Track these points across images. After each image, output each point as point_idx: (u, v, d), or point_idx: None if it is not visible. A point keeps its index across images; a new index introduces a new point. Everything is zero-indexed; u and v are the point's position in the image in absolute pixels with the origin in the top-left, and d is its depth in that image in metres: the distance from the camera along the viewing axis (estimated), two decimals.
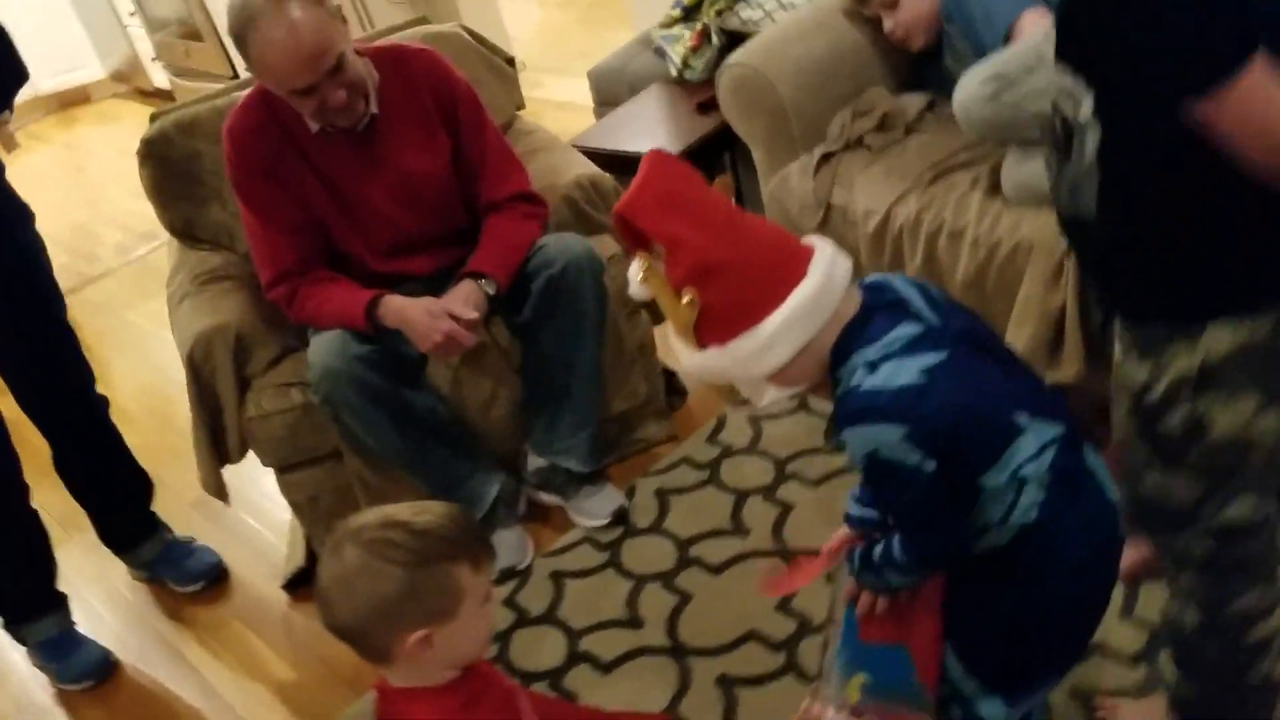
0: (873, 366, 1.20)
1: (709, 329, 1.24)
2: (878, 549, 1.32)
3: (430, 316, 2.05)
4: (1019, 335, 2.06)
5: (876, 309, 1.24)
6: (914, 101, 2.55)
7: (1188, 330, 1.19)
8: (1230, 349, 1.17)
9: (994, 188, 2.17)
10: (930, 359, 1.18)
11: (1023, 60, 1.99)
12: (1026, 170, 2.08)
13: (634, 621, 2.08)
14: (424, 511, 1.27)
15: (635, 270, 1.24)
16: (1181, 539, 1.34)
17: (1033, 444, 1.20)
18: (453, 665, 1.29)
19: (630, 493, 2.40)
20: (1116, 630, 1.77)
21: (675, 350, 1.30)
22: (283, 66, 1.93)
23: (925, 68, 2.53)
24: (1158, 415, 1.24)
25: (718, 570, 2.14)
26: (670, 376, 2.65)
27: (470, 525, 1.31)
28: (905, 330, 1.21)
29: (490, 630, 1.33)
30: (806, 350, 1.23)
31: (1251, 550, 1.32)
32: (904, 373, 1.18)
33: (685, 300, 1.21)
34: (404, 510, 1.27)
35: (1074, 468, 1.23)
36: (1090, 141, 1.16)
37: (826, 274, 1.21)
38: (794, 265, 1.22)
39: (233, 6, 1.93)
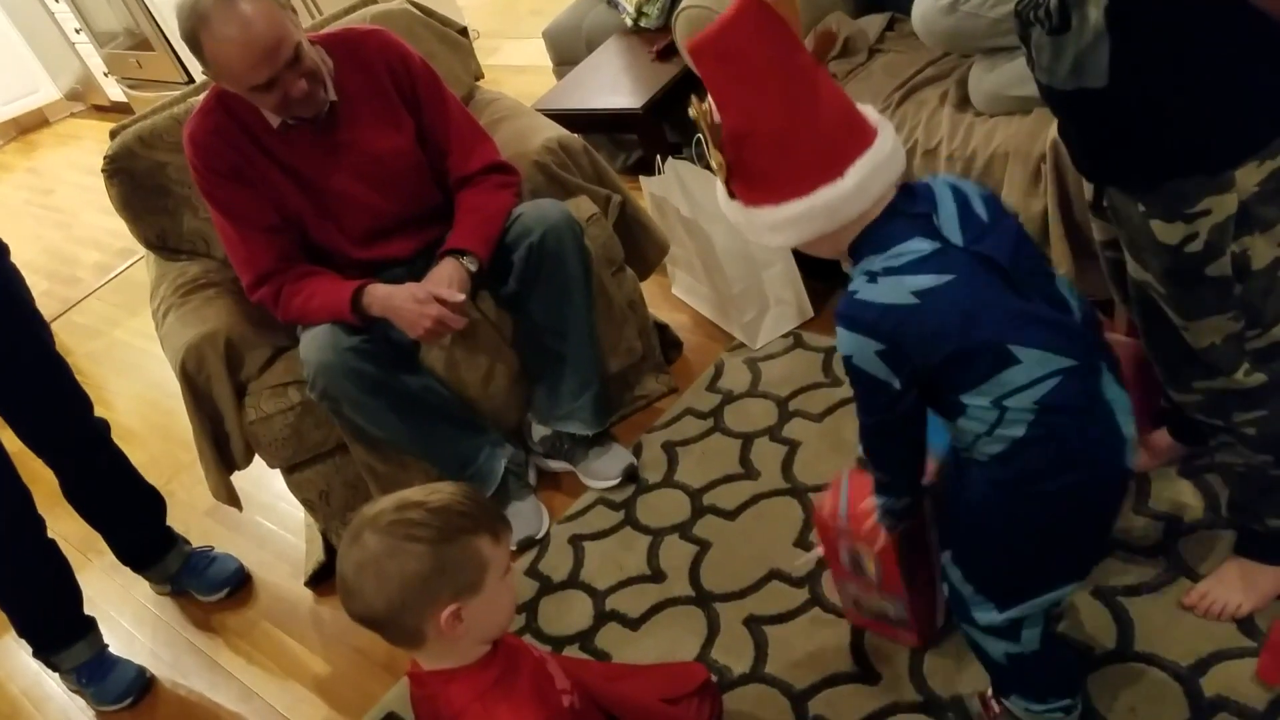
0: (873, 276, 1.21)
1: (739, 184, 1.26)
2: None
3: (417, 303, 2.04)
4: None
5: (898, 216, 1.23)
6: (874, 22, 2.53)
7: (1217, 179, 1.22)
8: (1259, 183, 1.22)
9: (963, 100, 2.16)
10: (928, 281, 1.19)
11: None
12: (994, 79, 2.07)
13: (656, 575, 2.10)
14: (436, 491, 1.28)
15: (693, 107, 1.25)
16: (1232, 379, 1.38)
17: (1024, 376, 1.19)
18: (483, 639, 1.30)
19: (638, 450, 2.40)
20: (1133, 524, 1.79)
21: (718, 195, 1.32)
22: (240, 63, 1.90)
23: None
24: (1205, 262, 1.28)
25: (733, 515, 2.16)
26: (663, 330, 2.65)
27: (484, 500, 1.32)
28: (916, 245, 1.21)
29: (514, 601, 1.35)
30: (823, 239, 1.25)
31: None
32: (897, 291, 1.19)
33: (715, 162, 1.24)
34: (416, 492, 1.28)
35: (1080, 399, 1.23)
36: (1094, 8, 1.17)
37: (861, 184, 1.20)
38: (834, 161, 1.20)
39: (181, 10, 1.90)
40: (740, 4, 1.18)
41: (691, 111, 1.25)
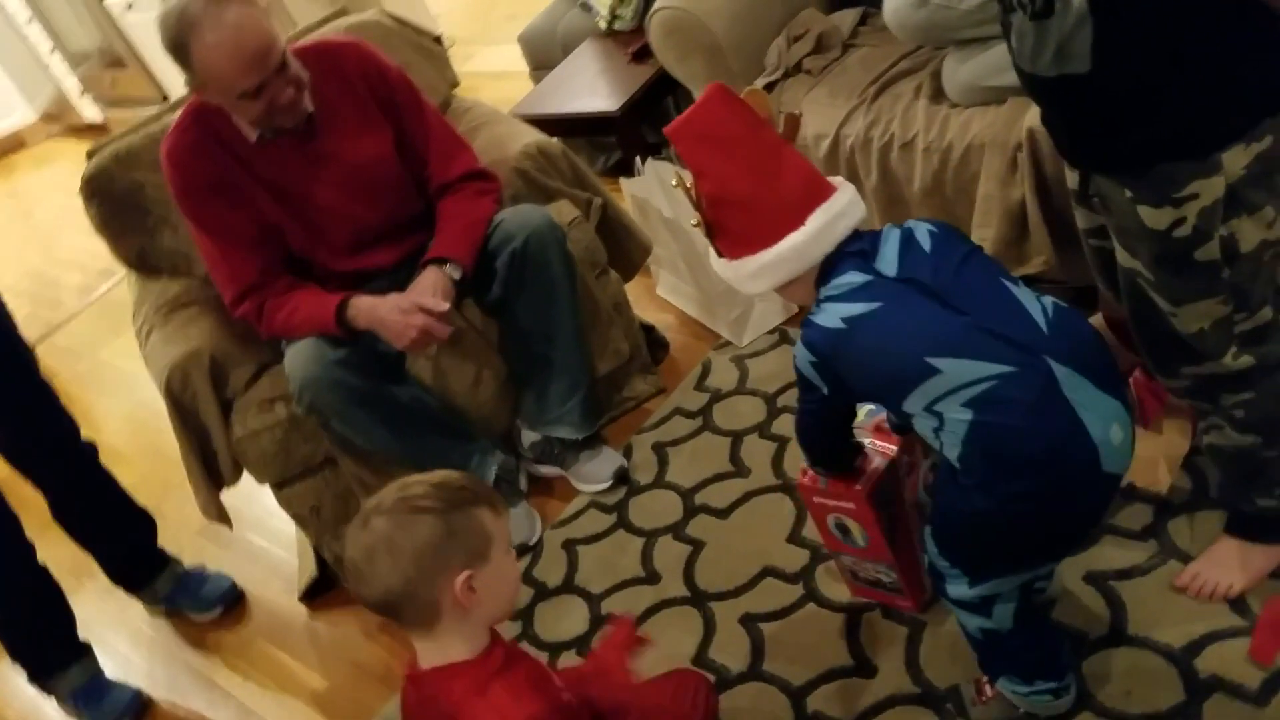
0: (819, 304, 1.41)
1: (722, 243, 1.49)
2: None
3: (402, 314, 2.04)
4: (984, 235, 2.07)
5: (842, 255, 1.42)
6: (846, 17, 2.54)
7: (1204, 163, 1.23)
8: (1246, 166, 1.24)
9: (938, 92, 2.17)
10: (858, 309, 1.36)
11: None
12: (967, 70, 2.07)
13: (651, 577, 2.10)
14: (433, 473, 1.32)
15: (674, 178, 1.51)
16: (1220, 363, 1.40)
17: (947, 383, 1.29)
18: (494, 615, 1.32)
19: (628, 452, 2.40)
20: (1122, 508, 1.80)
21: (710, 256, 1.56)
22: (231, 69, 1.89)
23: None
24: (1193, 246, 1.29)
25: (725, 514, 2.16)
26: (649, 330, 2.65)
27: (479, 479, 1.40)
28: (850, 278, 1.39)
29: (519, 578, 1.40)
30: (796, 283, 1.45)
31: (1279, 345, 1.40)
32: (831, 317, 1.38)
33: (693, 223, 1.50)
34: (414, 477, 1.31)
35: (1020, 403, 1.26)
36: None
37: (821, 229, 1.41)
38: (798, 214, 1.41)
39: (166, 20, 1.89)
40: (709, 93, 1.43)
41: (673, 182, 1.50)
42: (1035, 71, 1.29)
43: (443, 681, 1.29)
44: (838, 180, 1.47)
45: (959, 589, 1.44)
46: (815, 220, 1.40)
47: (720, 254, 1.51)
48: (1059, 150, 1.45)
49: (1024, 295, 1.36)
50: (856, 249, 1.42)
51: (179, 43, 1.89)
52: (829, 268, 1.42)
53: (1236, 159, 1.23)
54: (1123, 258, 1.39)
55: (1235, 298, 1.35)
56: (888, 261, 1.39)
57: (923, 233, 1.41)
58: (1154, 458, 1.84)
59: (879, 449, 1.68)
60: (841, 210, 1.42)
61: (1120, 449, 1.30)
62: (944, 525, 1.43)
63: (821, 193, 1.43)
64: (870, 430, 1.70)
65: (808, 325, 1.42)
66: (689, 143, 1.45)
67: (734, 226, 1.46)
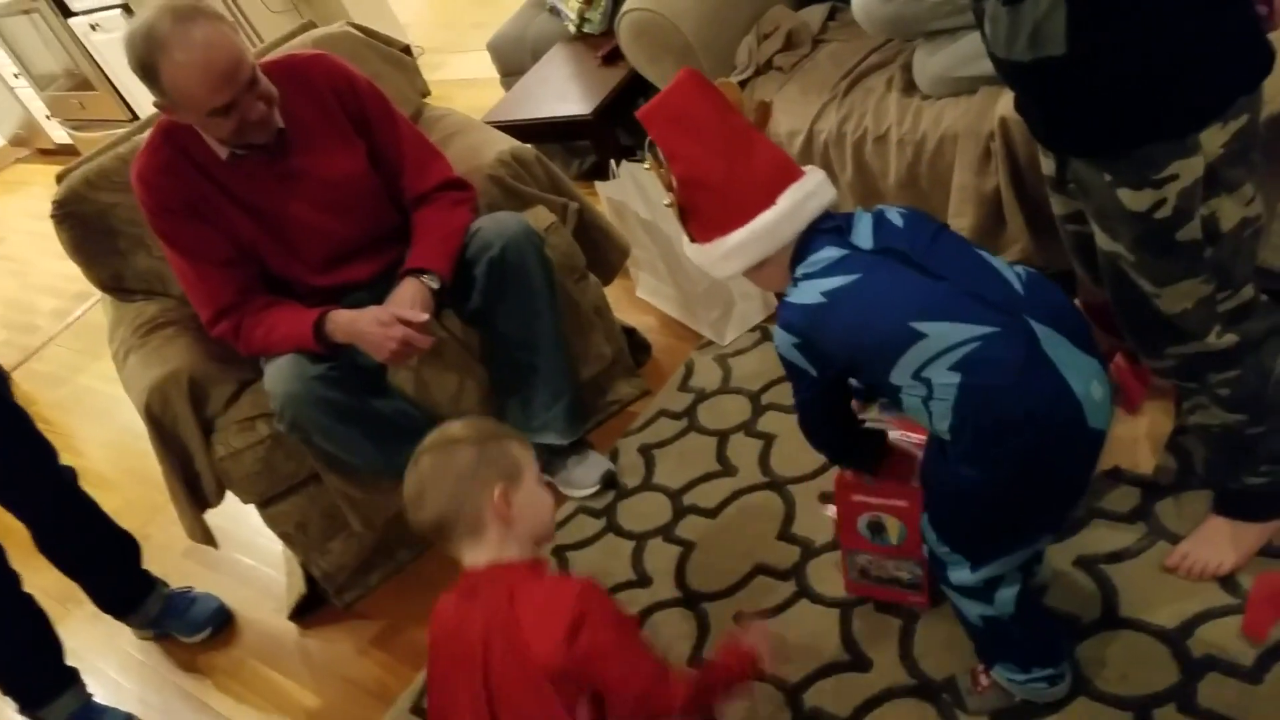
0: (796, 282, 1.42)
1: (695, 227, 1.50)
2: None
3: (381, 326, 2.02)
4: (960, 224, 2.07)
5: (815, 232, 1.44)
6: (815, 13, 2.54)
7: (1182, 143, 1.23)
8: (1224, 145, 1.24)
9: (909, 85, 2.18)
10: (836, 282, 1.37)
11: None
12: (937, 61, 2.08)
13: (642, 580, 2.09)
14: (467, 417, 1.56)
15: (647, 162, 1.51)
16: (1205, 342, 1.41)
17: (933, 347, 1.29)
18: (532, 534, 1.47)
19: (614, 455, 2.40)
20: (1109, 491, 1.81)
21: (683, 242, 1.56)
22: (202, 86, 1.87)
23: None
24: (1175, 227, 1.30)
25: (714, 513, 2.16)
26: (631, 333, 2.65)
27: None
28: (827, 253, 1.40)
29: (553, 510, 1.55)
30: (769, 262, 1.46)
31: (1260, 322, 1.42)
32: (810, 293, 1.38)
33: (666, 202, 1.50)
34: (455, 421, 1.54)
35: (1005, 362, 1.26)
36: None
37: (792, 208, 1.42)
38: (769, 193, 1.43)
39: (133, 40, 1.87)
40: (680, 77, 1.46)
41: (646, 165, 1.51)
42: (1010, 57, 1.29)
43: (499, 571, 1.42)
44: (808, 167, 1.49)
45: (961, 574, 1.44)
46: (786, 199, 1.42)
47: (693, 239, 1.52)
48: (1035, 136, 1.45)
49: (998, 262, 1.37)
50: (830, 226, 1.43)
51: (147, 62, 1.87)
52: (803, 247, 1.43)
53: (1214, 138, 1.24)
54: (1103, 241, 1.40)
55: (1218, 276, 1.36)
56: (863, 237, 1.40)
57: (894, 214, 1.43)
58: (1139, 439, 1.85)
59: (913, 442, 1.66)
60: (812, 190, 1.44)
61: (1101, 405, 1.30)
62: (939, 508, 1.43)
63: (792, 174, 1.45)
64: (895, 423, 1.69)
65: (785, 306, 1.42)
66: (661, 125, 1.47)
67: (706, 207, 1.47)
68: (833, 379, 1.46)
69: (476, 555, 1.44)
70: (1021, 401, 1.26)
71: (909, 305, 1.31)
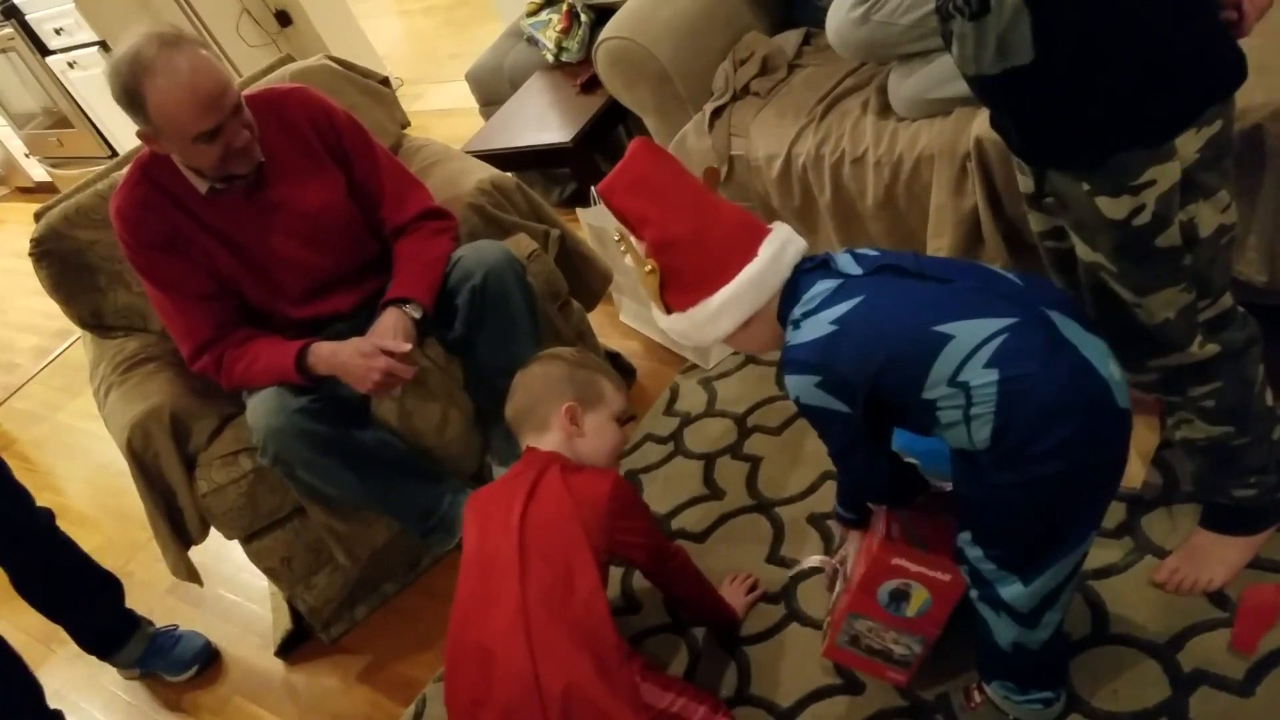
0: (796, 324, 1.37)
1: (673, 296, 1.46)
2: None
3: (363, 357, 2.02)
4: (939, 245, 2.08)
5: (800, 273, 1.42)
6: (790, 38, 2.56)
7: (1158, 150, 1.24)
8: (1198, 150, 1.25)
9: (885, 107, 2.19)
10: (843, 309, 1.33)
11: None
12: (911, 84, 2.09)
13: (632, 605, 2.08)
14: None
15: (619, 241, 1.50)
16: (1188, 352, 1.41)
17: (964, 347, 1.25)
18: (594, 459, 1.74)
19: None
20: None
21: (655, 316, 1.51)
22: (188, 111, 1.87)
23: (795, 2, 2.54)
24: (1154, 234, 1.30)
25: (702, 537, 2.15)
26: (615, 358, 2.65)
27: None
28: (821, 286, 1.37)
29: (620, 448, 1.81)
30: (756, 318, 1.43)
31: (1240, 331, 1.43)
32: (817, 327, 1.34)
33: (647, 269, 1.45)
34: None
35: (1035, 349, 1.25)
36: None
37: (774, 256, 1.41)
38: (747, 246, 1.42)
39: (118, 68, 1.86)
40: (633, 147, 1.45)
41: (621, 247, 1.49)
42: (980, 72, 1.30)
43: (547, 455, 1.72)
44: (772, 223, 1.49)
45: (1013, 590, 1.38)
46: (767, 248, 1.41)
47: (669, 309, 1.47)
48: (1011, 150, 1.46)
49: (988, 264, 1.38)
50: (812, 266, 1.42)
51: (132, 88, 1.86)
52: (789, 293, 1.41)
53: (1189, 143, 1.25)
54: (1083, 252, 1.40)
55: (1197, 284, 1.37)
56: (849, 266, 1.39)
57: (866, 248, 1.43)
58: None
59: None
60: (787, 238, 1.44)
61: (1122, 384, 1.28)
62: (981, 518, 1.37)
63: (761, 227, 1.44)
64: (838, 561, 1.67)
65: (791, 351, 1.36)
66: (622, 194, 1.45)
67: (686, 268, 1.43)
68: (868, 409, 1.36)
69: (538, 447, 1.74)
70: (1058, 387, 1.24)
71: (925, 311, 1.29)
